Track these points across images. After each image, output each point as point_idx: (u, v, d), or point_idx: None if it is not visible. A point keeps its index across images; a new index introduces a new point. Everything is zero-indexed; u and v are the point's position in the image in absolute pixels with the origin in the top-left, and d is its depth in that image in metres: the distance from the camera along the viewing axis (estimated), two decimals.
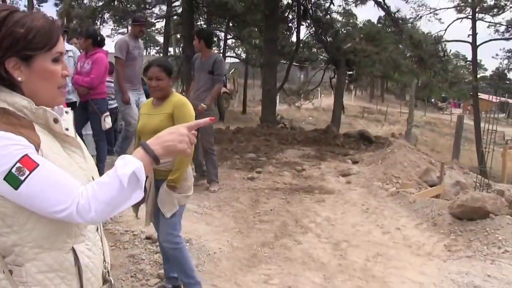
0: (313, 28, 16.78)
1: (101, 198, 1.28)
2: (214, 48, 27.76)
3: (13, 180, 1.23)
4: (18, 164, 1.23)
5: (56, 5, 17.68)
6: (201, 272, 4.30)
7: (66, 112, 1.53)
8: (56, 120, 1.39)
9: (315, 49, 20.76)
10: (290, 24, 17.13)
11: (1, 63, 1.32)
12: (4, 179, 1.23)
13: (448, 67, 18.20)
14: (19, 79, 1.34)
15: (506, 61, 31.04)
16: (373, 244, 5.49)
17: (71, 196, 1.27)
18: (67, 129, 1.45)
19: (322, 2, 17.24)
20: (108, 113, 6.57)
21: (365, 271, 4.70)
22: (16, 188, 1.24)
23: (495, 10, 24.32)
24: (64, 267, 1.39)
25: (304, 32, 23.78)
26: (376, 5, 15.22)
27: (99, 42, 6.53)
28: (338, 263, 4.85)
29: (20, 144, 1.25)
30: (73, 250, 1.41)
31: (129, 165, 1.30)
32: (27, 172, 1.24)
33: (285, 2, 16.70)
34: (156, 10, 20.37)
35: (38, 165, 1.25)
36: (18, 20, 1.32)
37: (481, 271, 4.67)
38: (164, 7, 19.29)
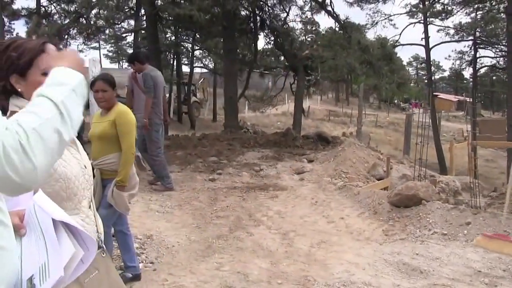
0: (272, 38, 17.39)
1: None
2: (183, 59, 28.13)
3: None
4: None
5: (27, 22, 17.87)
6: (159, 264, 4.74)
7: None
8: None
9: (276, 57, 21.31)
10: (249, 35, 17.67)
11: (7, 79, 1.77)
12: None
13: (394, 69, 18.85)
14: (20, 90, 1.80)
15: (458, 62, 32.25)
16: (318, 232, 5.99)
17: None
18: None
19: (279, 12, 17.84)
20: None
21: (308, 256, 5.15)
22: None
23: (443, 15, 25.42)
24: None
25: (263, 41, 24.34)
26: (326, 14, 15.94)
27: None
28: (285, 250, 5.31)
29: None
30: None
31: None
32: None
33: (244, 14, 17.20)
34: (125, 24, 20.80)
35: None
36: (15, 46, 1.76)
37: (411, 250, 5.21)
38: (132, 22, 19.68)
